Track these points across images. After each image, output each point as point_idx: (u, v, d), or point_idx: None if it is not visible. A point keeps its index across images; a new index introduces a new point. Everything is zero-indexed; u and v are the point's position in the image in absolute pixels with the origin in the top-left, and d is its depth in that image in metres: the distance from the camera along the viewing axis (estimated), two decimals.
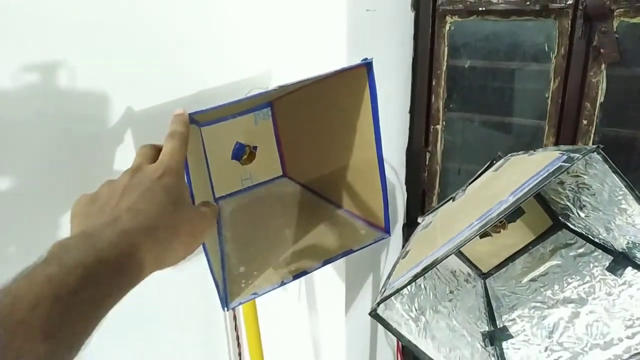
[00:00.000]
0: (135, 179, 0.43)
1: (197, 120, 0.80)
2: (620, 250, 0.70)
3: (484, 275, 0.83)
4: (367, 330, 1.24)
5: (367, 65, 0.73)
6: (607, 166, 0.54)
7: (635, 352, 0.65)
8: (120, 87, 0.79)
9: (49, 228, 0.74)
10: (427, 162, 1.19)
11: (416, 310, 0.67)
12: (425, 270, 0.57)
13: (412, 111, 1.20)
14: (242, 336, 1.15)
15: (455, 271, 0.81)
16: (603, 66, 0.93)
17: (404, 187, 1.25)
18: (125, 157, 0.81)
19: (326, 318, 1.18)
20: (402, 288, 0.58)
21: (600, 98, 0.95)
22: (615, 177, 0.55)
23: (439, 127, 1.16)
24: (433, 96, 1.14)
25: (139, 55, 0.81)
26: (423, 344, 0.65)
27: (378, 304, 0.60)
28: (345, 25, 0.93)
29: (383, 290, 0.62)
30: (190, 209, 0.46)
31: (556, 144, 1.02)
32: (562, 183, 0.68)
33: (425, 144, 1.19)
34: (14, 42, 0.67)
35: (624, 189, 0.56)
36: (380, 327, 1.25)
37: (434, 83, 1.13)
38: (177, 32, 0.87)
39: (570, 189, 0.68)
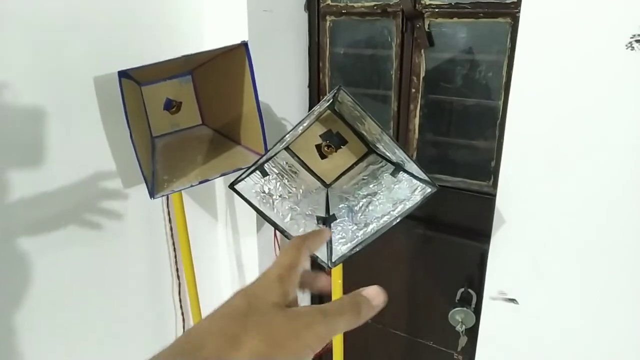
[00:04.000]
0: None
1: (137, 80, 1.22)
2: (396, 162, 1.13)
3: (328, 185, 1.26)
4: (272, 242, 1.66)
5: (245, 45, 1.16)
6: (349, 98, 0.97)
7: (394, 217, 1.08)
8: (84, 65, 1.20)
9: None
10: None
11: (265, 193, 1.10)
12: (259, 163, 1.00)
13: (310, 86, 1.63)
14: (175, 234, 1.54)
15: (307, 181, 1.23)
16: (422, 51, 1.37)
17: None
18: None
19: (244, 235, 1.60)
20: (246, 176, 1.01)
21: (422, 74, 1.39)
22: (354, 103, 0.97)
23: None
24: (321, 75, 1.57)
25: (107, 40, 1.22)
26: (267, 212, 1.07)
27: (233, 184, 1.03)
28: (245, 22, 1.35)
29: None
30: None
31: (398, 107, 1.45)
32: (357, 120, 1.11)
33: None
34: None
35: (361, 111, 0.99)
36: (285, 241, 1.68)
37: (321, 65, 1.56)
38: (127, 23, 1.28)
39: (363, 124, 1.11)
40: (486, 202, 1.39)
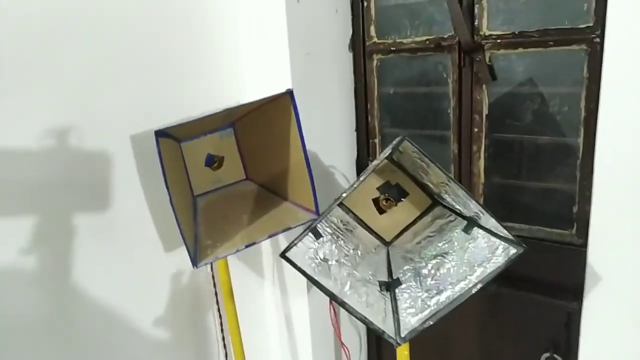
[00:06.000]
0: None
1: (176, 137, 1.13)
2: (470, 216, 0.98)
3: (388, 243, 1.12)
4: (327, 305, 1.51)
5: (289, 93, 1.05)
6: (413, 148, 0.83)
7: (474, 284, 0.93)
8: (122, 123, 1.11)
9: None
10: None
11: (320, 259, 0.97)
12: (313, 224, 0.87)
13: (357, 130, 1.51)
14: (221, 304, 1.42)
15: (364, 240, 1.10)
16: (483, 87, 1.23)
17: None
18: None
19: (294, 295, 1.46)
20: (298, 240, 0.88)
21: (485, 111, 1.25)
22: (420, 154, 0.84)
23: (376, 141, 1.46)
24: (370, 117, 1.45)
25: (143, 93, 1.14)
26: (323, 281, 0.94)
27: (285, 251, 0.90)
28: (288, 67, 1.25)
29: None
30: None
31: (459, 149, 1.31)
32: (420, 169, 0.98)
33: (367, 155, 1.49)
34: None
35: (435, 167, 0.85)
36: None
37: (369, 107, 1.44)
38: (168, 78, 1.20)
39: (426, 174, 0.97)
40: (569, 254, 1.21)
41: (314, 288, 1.43)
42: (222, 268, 1.21)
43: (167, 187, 0.98)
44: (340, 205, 1.09)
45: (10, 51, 0.92)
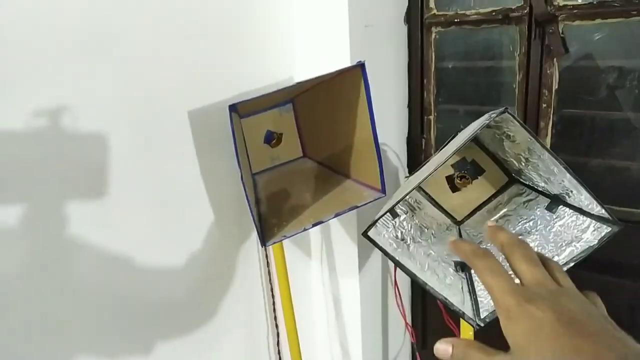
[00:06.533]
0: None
1: (239, 111, 1.08)
2: (555, 194, 0.94)
3: (459, 223, 1.08)
4: (378, 286, 1.48)
5: (361, 66, 1.00)
6: (516, 122, 0.79)
7: (564, 263, 0.89)
8: (175, 91, 1.07)
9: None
10: (423, 147, 1.45)
11: (398, 238, 0.93)
12: (397, 203, 0.83)
13: (409, 106, 1.46)
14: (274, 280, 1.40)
15: (436, 219, 1.06)
16: (555, 60, 1.18)
17: (406, 169, 1.50)
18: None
19: (343, 276, 1.43)
20: (380, 217, 0.85)
21: (555, 85, 1.19)
22: (522, 130, 0.79)
23: (431, 117, 1.42)
24: (425, 92, 1.40)
25: (195, 67, 1.09)
26: (403, 260, 0.90)
27: (367, 229, 0.86)
28: (347, 38, 1.20)
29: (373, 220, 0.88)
30: None
31: None
32: (501, 143, 0.93)
33: (421, 132, 1.44)
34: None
35: (532, 140, 0.81)
36: (389, 286, 1.50)
37: (425, 82, 1.39)
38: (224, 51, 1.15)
39: (510, 148, 0.93)
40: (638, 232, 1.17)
41: (365, 269, 1.42)
42: (277, 248, 1.18)
43: (239, 164, 0.94)
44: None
45: (59, 17, 0.87)
